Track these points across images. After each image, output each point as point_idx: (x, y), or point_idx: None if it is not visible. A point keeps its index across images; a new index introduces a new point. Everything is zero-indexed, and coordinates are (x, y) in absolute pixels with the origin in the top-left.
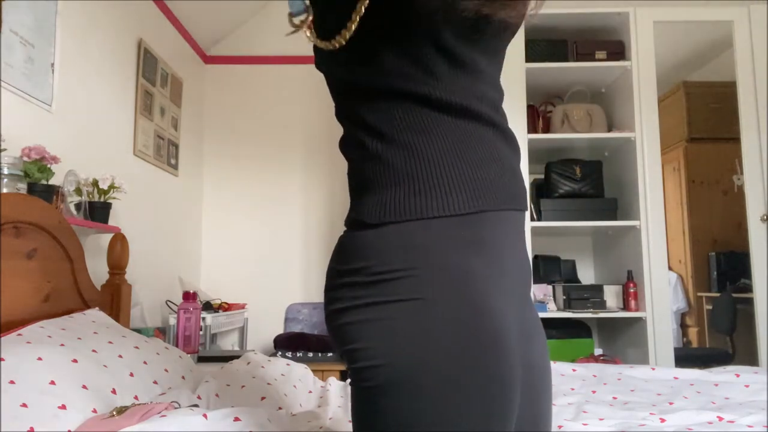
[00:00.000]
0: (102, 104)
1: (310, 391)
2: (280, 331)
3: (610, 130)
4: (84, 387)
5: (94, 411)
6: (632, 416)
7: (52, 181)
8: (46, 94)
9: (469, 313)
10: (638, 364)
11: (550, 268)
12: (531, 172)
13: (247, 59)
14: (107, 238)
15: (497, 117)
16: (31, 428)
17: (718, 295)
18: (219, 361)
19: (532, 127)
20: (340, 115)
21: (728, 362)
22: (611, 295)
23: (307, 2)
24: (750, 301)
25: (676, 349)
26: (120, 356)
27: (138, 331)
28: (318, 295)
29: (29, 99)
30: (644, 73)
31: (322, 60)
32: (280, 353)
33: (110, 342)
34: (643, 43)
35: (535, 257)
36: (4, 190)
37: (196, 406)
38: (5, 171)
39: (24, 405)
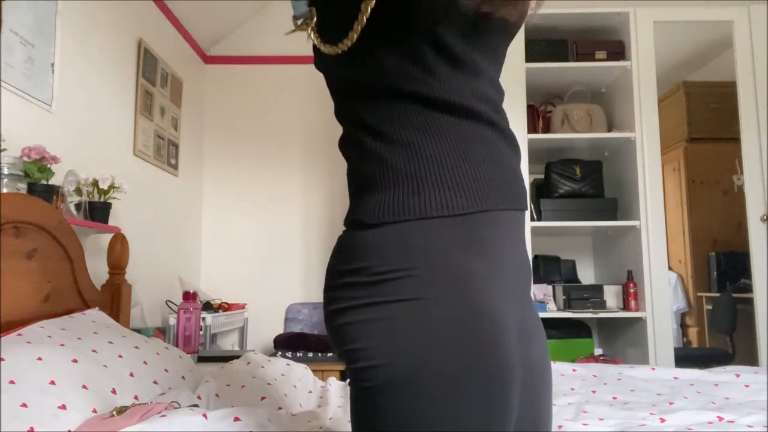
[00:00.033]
0: (102, 104)
1: (310, 391)
2: (280, 331)
3: (610, 130)
4: (84, 387)
5: (94, 411)
6: (632, 416)
7: (52, 181)
8: (46, 94)
9: (469, 313)
10: (638, 364)
11: (550, 268)
12: (531, 172)
13: (247, 59)
14: (107, 238)
15: (497, 117)
16: (31, 428)
17: (718, 295)
18: (219, 361)
19: (532, 127)
20: (340, 114)
21: (728, 362)
22: (611, 295)
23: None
24: (750, 301)
25: (676, 349)
26: (120, 356)
27: (138, 331)
28: (318, 295)
29: (29, 99)
30: (644, 73)
31: (321, 60)
32: (280, 353)
33: (110, 342)
34: (643, 43)
35: (535, 257)
36: (4, 190)
37: (196, 406)
38: (5, 171)
39: (24, 405)
